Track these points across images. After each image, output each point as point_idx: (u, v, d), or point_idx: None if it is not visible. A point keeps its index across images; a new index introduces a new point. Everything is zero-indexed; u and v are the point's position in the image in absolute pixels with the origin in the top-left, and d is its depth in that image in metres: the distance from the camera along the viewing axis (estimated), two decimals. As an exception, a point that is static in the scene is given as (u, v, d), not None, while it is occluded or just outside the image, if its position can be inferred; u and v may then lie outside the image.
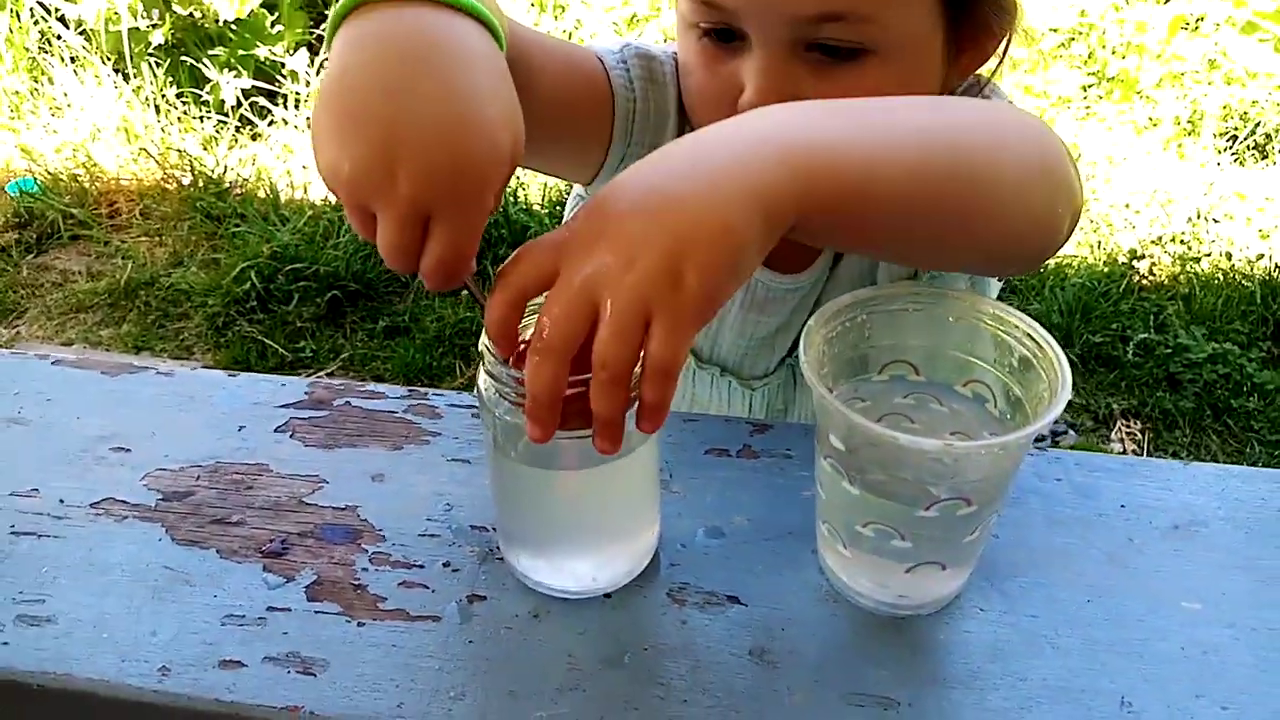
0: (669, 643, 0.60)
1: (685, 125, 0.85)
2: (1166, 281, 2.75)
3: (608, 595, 0.62)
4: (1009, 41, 0.78)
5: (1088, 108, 3.20)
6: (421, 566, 0.64)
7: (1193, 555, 0.65)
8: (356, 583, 0.63)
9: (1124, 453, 2.40)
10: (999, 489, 0.56)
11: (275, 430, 0.75)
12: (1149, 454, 2.40)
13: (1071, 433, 2.47)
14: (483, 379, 0.55)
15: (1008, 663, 0.59)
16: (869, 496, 0.55)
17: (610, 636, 0.60)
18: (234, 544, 0.66)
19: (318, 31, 3.27)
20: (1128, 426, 2.48)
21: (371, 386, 0.79)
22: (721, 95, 0.75)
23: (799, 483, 0.70)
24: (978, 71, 0.82)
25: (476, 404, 0.57)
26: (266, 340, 2.52)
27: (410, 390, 0.78)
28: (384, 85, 0.49)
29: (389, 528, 0.67)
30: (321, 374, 2.45)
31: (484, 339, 0.55)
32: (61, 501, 0.70)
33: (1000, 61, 0.80)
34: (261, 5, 3.11)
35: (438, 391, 0.78)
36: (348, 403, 0.77)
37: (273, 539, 0.66)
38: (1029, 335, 0.57)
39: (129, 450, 0.74)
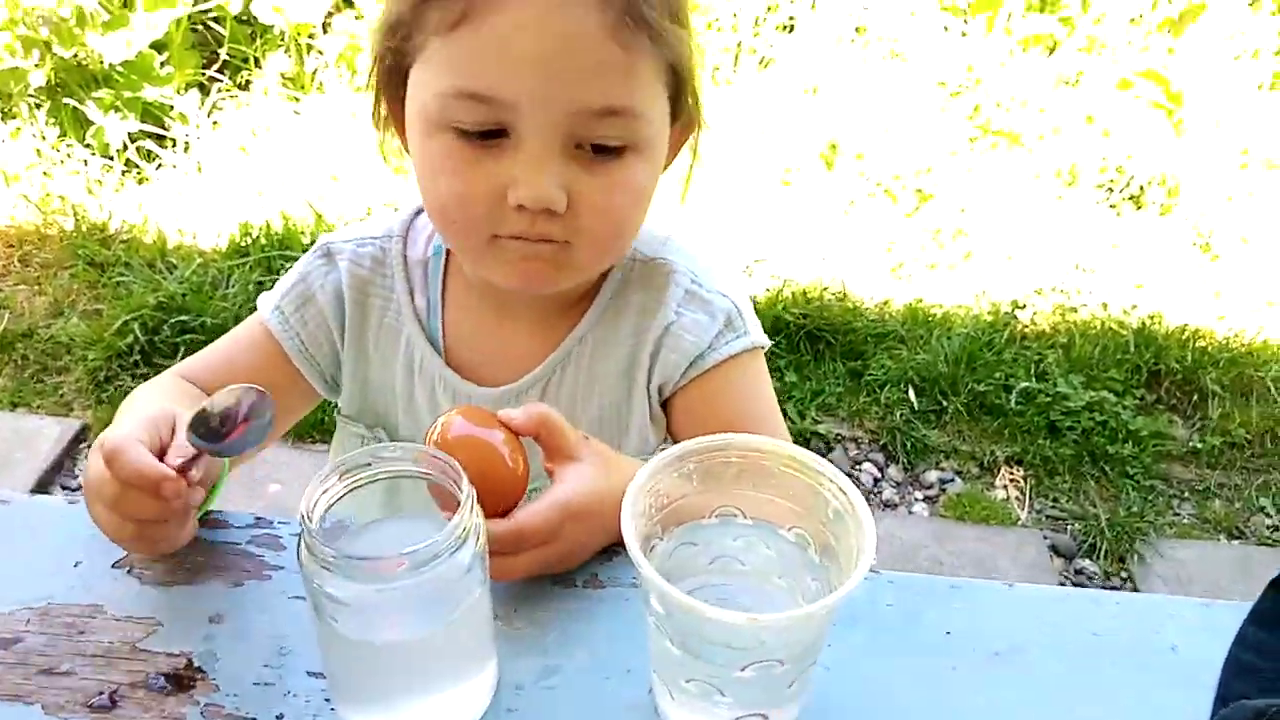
0: (500, 795, 0.60)
1: (366, 300, 0.93)
2: (1047, 330, 2.86)
3: (441, 746, 0.63)
4: (694, 141, 0.87)
5: (974, 160, 3.32)
6: (255, 719, 0.64)
7: (1011, 682, 0.68)
8: (184, 740, 0.62)
9: (1007, 499, 2.48)
10: (810, 648, 0.58)
11: (113, 566, 0.73)
12: (1031, 501, 2.49)
13: (958, 480, 2.54)
14: (303, 550, 0.55)
15: (829, 805, 0.60)
16: (688, 657, 0.57)
17: (441, 791, 0.60)
18: (60, 698, 0.65)
19: (209, 72, 3.21)
20: (1011, 474, 2.57)
21: (215, 512, 0.78)
22: (482, 196, 0.76)
23: (643, 615, 0.71)
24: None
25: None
26: (151, 395, 2.45)
27: (257, 519, 0.77)
28: None
29: (223, 676, 0.66)
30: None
31: (302, 507, 0.55)
32: (-122, 652, 0.67)
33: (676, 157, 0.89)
34: (150, 45, 3.04)
35: (284, 519, 0.77)
36: (194, 522, 0.76)
37: (101, 691, 0.65)
38: (841, 490, 0.59)
39: (-45, 590, 0.72)
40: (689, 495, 0.63)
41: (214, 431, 0.68)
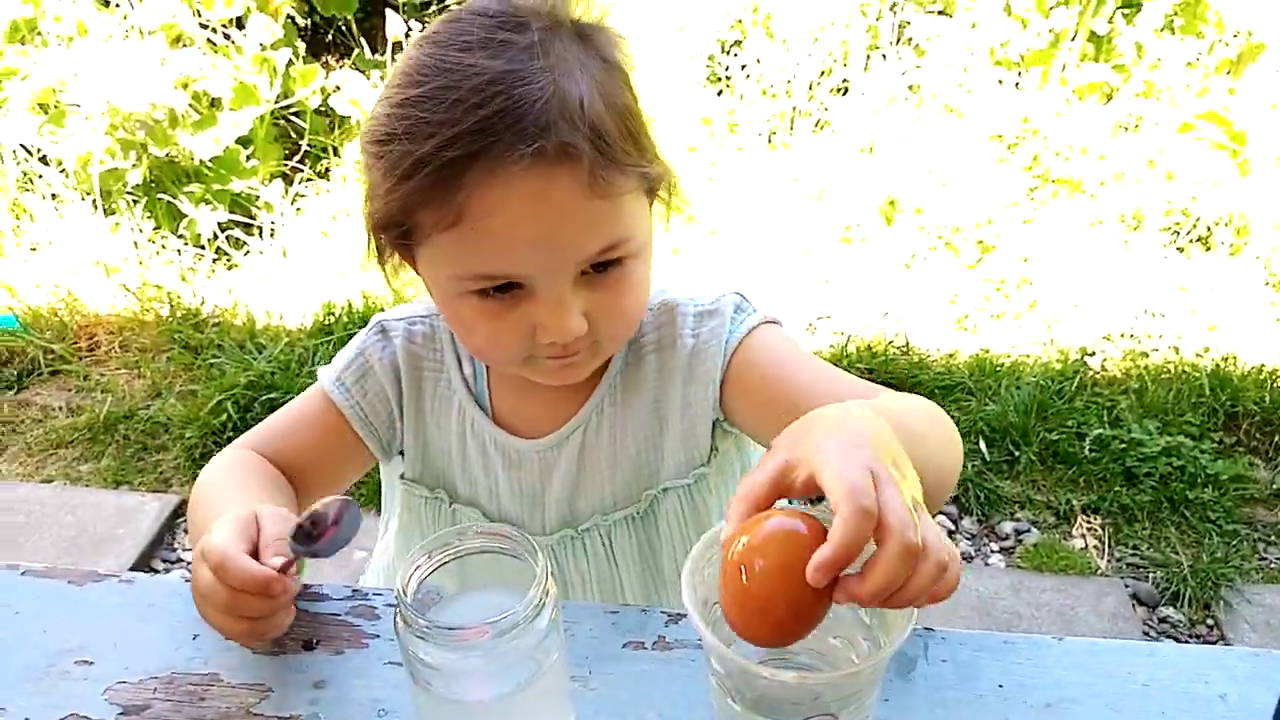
0: (581, 845, 0.66)
1: (420, 374, 1.02)
2: (1119, 376, 2.84)
3: (527, 800, 0.68)
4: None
5: (1034, 210, 3.34)
6: (357, 777, 0.70)
7: (1063, 733, 0.72)
8: (296, 796, 0.69)
9: (1085, 548, 2.46)
10: (862, 701, 0.62)
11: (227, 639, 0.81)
12: (1110, 549, 2.46)
13: (1034, 530, 2.53)
14: (399, 622, 0.62)
15: None
16: (748, 712, 0.62)
17: (527, 841, 0.66)
18: (185, 759, 0.72)
19: (292, 163, 3.40)
20: (1088, 522, 2.54)
21: (315, 586, 0.86)
22: (517, 339, 0.84)
23: (707, 674, 0.76)
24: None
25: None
26: (244, 470, 2.57)
27: (353, 590, 0.85)
28: None
29: (329, 737, 0.73)
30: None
31: (398, 584, 0.62)
32: (27, 720, 0.75)
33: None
34: (237, 141, 3.24)
35: (377, 591, 0.85)
36: (294, 605, 0.83)
37: (221, 752, 0.72)
38: (887, 555, 0.64)
39: (92, 663, 0.80)
40: (746, 561, 0.69)
41: (309, 536, 0.75)
